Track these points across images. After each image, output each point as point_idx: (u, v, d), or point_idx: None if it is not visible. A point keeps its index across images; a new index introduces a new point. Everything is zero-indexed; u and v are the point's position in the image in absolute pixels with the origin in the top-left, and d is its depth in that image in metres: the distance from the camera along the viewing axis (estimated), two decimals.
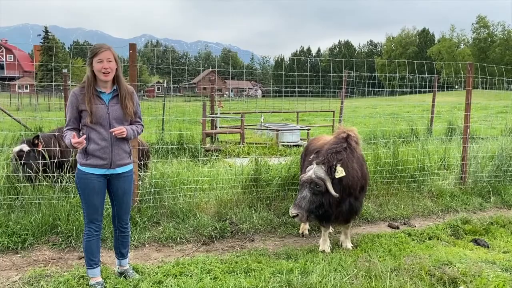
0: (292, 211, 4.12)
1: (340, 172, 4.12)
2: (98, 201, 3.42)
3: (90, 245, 3.48)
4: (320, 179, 4.12)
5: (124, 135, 3.35)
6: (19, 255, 4.36)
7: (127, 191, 3.58)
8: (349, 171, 4.28)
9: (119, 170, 3.46)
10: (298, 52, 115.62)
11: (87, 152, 3.32)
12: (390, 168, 6.52)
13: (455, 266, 3.94)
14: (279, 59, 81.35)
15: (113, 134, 3.30)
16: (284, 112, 17.54)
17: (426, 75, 8.23)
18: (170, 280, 3.64)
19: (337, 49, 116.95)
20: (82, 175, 3.35)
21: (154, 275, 3.77)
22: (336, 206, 4.26)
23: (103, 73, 3.26)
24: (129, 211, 3.74)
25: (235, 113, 15.85)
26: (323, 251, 4.47)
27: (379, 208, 6.02)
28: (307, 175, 4.21)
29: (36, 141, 5.52)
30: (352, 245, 4.71)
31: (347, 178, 4.25)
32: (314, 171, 4.18)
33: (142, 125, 3.65)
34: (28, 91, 46.10)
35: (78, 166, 3.39)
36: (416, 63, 7.83)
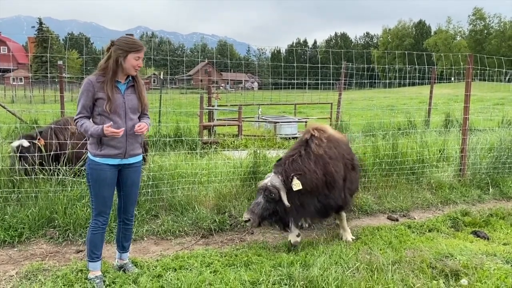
0: (245, 215, 4.08)
1: (297, 185, 4.05)
2: (108, 193, 3.41)
3: (95, 238, 3.45)
4: (275, 188, 4.07)
5: (145, 130, 3.39)
6: (16, 249, 4.30)
7: (135, 182, 3.59)
8: (306, 176, 4.17)
9: (132, 160, 3.47)
10: (294, 44, 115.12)
11: (101, 142, 3.30)
12: (389, 160, 6.49)
13: (456, 258, 3.93)
14: (275, 51, 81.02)
15: (136, 132, 3.33)
16: (281, 104, 17.47)
17: (426, 66, 8.18)
18: (169, 273, 3.60)
19: (334, 41, 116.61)
20: (96, 166, 3.32)
21: (153, 269, 3.74)
22: (296, 211, 4.18)
23: (135, 69, 3.33)
24: (135, 203, 3.74)
25: (232, 105, 15.77)
26: (290, 241, 4.35)
27: (378, 200, 6.00)
28: (263, 182, 4.18)
29: (39, 138, 5.46)
30: (353, 237, 4.68)
31: (305, 184, 4.15)
32: (271, 179, 4.14)
33: (149, 118, 3.66)
34: (22, 83, 45.63)
35: (91, 157, 3.35)
36: (415, 55, 7.77)
